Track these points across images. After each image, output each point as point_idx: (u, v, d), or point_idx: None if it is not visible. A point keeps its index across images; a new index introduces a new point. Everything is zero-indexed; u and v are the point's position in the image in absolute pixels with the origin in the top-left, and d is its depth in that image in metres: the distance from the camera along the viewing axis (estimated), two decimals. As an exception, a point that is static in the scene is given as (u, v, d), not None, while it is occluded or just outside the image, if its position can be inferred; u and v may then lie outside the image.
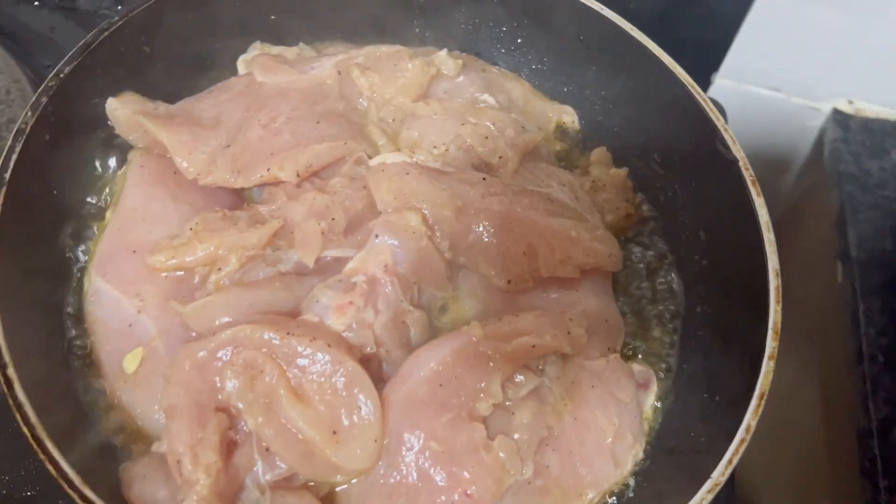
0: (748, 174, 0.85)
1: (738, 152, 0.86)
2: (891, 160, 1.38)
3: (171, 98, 0.92)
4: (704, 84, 1.29)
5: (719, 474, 0.69)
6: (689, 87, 0.90)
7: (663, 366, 0.86)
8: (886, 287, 1.23)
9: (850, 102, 1.42)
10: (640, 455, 0.79)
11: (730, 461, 0.69)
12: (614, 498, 0.77)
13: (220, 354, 0.70)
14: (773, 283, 0.78)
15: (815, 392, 1.32)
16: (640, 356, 0.86)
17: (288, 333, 0.70)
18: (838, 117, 1.41)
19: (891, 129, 1.40)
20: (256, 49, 0.96)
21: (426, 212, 0.82)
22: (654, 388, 0.83)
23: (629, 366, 0.83)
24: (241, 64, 0.97)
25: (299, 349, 0.70)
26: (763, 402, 0.72)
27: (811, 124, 1.45)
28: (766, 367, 0.74)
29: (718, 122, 0.88)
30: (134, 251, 0.79)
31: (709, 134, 0.88)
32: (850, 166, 1.36)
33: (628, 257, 0.92)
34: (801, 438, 1.32)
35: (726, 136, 0.87)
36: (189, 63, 0.97)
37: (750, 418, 0.71)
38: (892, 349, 1.17)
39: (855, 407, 1.15)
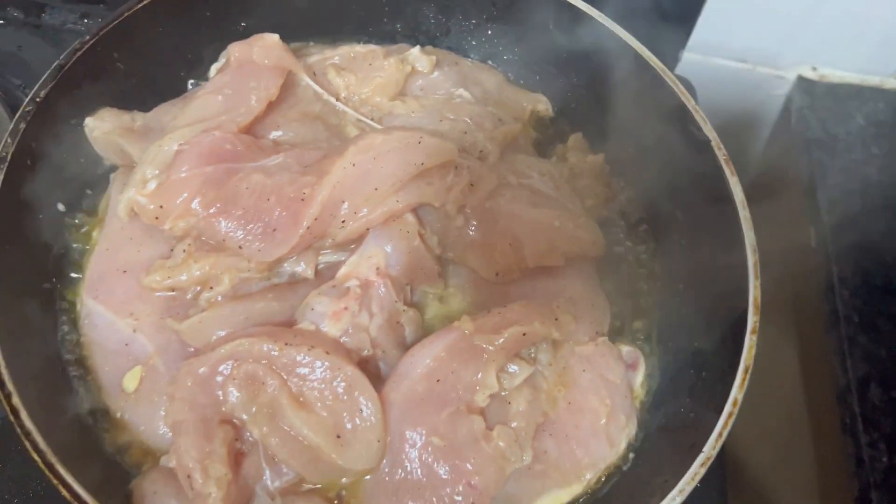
0: (721, 153, 0.87)
1: (710, 132, 0.89)
2: (857, 124, 1.41)
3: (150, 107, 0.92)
4: (673, 62, 1.31)
5: (710, 448, 0.72)
6: (658, 70, 0.92)
7: (650, 345, 0.88)
8: (858, 249, 1.27)
9: (814, 69, 1.44)
10: (633, 433, 0.82)
11: (720, 434, 0.72)
12: (611, 475, 0.80)
13: (220, 369, 0.71)
14: (752, 259, 0.81)
15: (795, 354, 1.37)
16: (627, 337, 0.89)
17: (286, 344, 0.72)
18: (803, 84, 1.44)
19: (855, 94, 1.44)
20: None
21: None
22: (642, 368, 0.86)
23: (617, 347, 0.85)
24: (214, 72, 0.97)
25: (298, 358, 0.72)
26: (748, 375, 0.75)
27: (778, 93, 1.48)
28: (749, 341, 0.77)
29: (689, 102, 0.90)
30: (124, 271, 0.80)
31: (680, 115, 0.90)
32: (817, 132, 1.39)
33: (610, 240, 0.94)
34: (783, 400, 1.37)
35: (697, 117, 0.89)
36: (165, 74, 0.97)
37: (736, 392, 0.74)
38: (867, 309, 1.21)
39: (833, 367, 1.19)
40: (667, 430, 0.81)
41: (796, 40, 1.39)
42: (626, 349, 0.86)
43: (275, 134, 0.88)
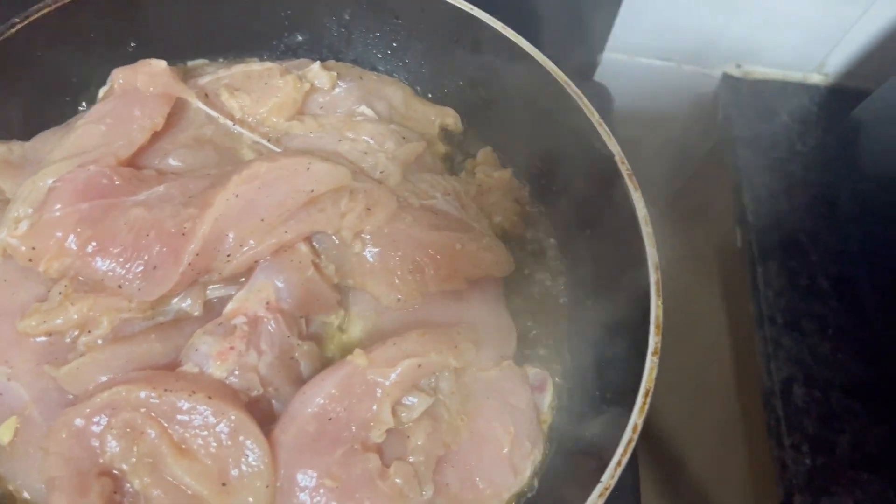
0: (624, 168, 0.85)
1: (614, 147, 0.87)
2: (781, 121, 1.41)
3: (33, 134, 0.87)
4: (591, 67, 1.29)
5: (609, 477, 0.70)
6: (564, 84, 0.90)
7: (558, 366, 0.87)
8: (782, 248, 1.27)
9: (739, 66, 1.44)
10: (539, 459, 0.80)
11: (618, 463, 0.71)
12: (515, 502, 0.79)
13: (97, 420, 0.68)
14: (653, 277, 0.80)
15: (728, 354, 1.37)
16: (535, 358, 0.87)
17: (165, 390, 0.69)
18: (728, 82, 1.43)
19: (779, 90, 1.44)
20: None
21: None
22: (549, 390, 0.84)
23: (524, 370, 0.83)
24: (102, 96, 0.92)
25: (179, 404, 0.69)
26: (649, 398, 0.74)
27: (704, 91, 1.47)
28: (650, 363, 0.75)
29: (592, 117, 0.88)
30: (-2, 315, 0.76)
31: (585, 129, 0.88)
32: (742, 130, 1.39)
33: (520, 257, 0.93)
34: (718, 399, 1.37)
35: (601, 131, 0.87)
36: (49, 99, 0.92)
37: (636, 418, 0.73)
38: (790, 310, 1.21)
39: (759, 369, 1.19)
40: (572, 454, 0.80)
41: (720, 38, 1.39)
42: (532, 371, 0.85)
43: (162, 161, 0.84)
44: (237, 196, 0.76)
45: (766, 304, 1.22)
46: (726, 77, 1.44)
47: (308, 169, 0.78)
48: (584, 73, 1.28)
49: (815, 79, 1.44)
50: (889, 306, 1.19)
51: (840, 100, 1.42)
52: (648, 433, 1.55)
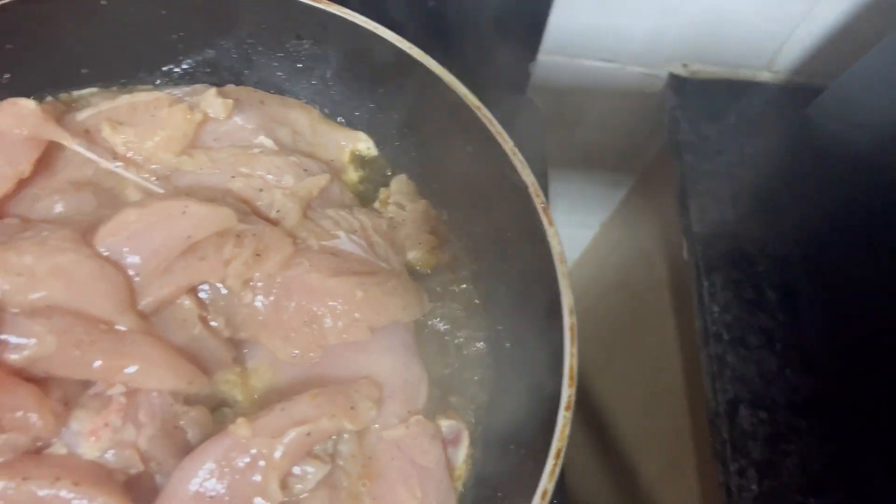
0: (539, 201, 0.79)
1: (528, 177, 0.80)
2: (728, 122, 1.35)
3: None
4: (523, 79, 1.22)
5: (515, 550, 0.65)
6: (474, 109, 0.83)
7: (474, 414, 0.81)
8: (728, 260, 1.22)
9: (685, 66, 1.38)
10: (450, 523, 0.74)
11: (526, 532, 0.65)
12: (426, 573, 0.73)
13: (-60, 517, 0.61)
14: (567, 321, 0.74)
15: (678, 372, 1.32)
16: (449, 406, 0.81)
17: (23, 479, 0.62)
18: (674, 83, 1.37)
19: (726, 89, 1.38)
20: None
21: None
22: (464, 442, 0.79)
23: (436, 424, 0.78)
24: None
25: (40, 494, 0.62)
26: (560, 459, 0.68)
27: (650, 91, 1.41)
28: (563, 419, 0.70)
29: (506, 144, 0.82)
30: None
31: (498, 158, 0.82)
32: (688, 134, 1.33)
33: (435, 295, 0.86)
34: (670, 417, 1.33)
35: (515, 161, 0.81)
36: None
37: (546, 482, 0.67)
38: (737, 325, 1.16)
39: (705, 388, 1.14)
40: (486, 515, 0.74)
41: (663, 36, 1.32)
42: (446, 423, 0.79)
43: (30, 208, 0.77)
44: (105, 250, 0.69)
45: (712, 320, 1.17)
46: (672, 77, 1.37)
47: (184, 213, 0.71)
48: (515, 86, 1.21)
49: (765, 76, 1.38)
50: (830, 317, 1.15)
51: (791, 98, 1.36)
52: (594, 440, 1.51)
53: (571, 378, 0.71)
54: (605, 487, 1.48)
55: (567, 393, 0.71)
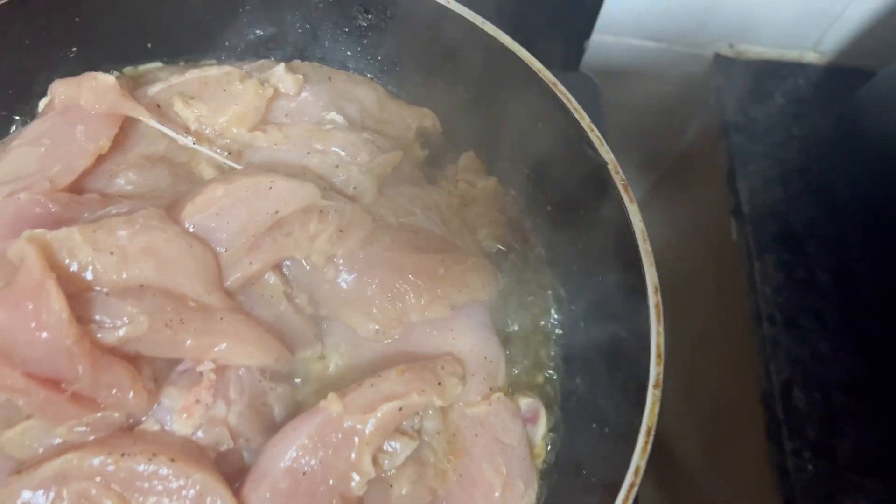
0: (619, 178, 0.78)
1: (607, 154, 0.79)
2: (775, 104, 1.34)
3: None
4: (578, 55, 1.21)
5: (609, 526, 0.65)
6: (550, 85, 0.82)
7: (552, 394, 0.81)
8: (780, 241, 1.21)
9: (731, 46, 1.37)
10: (534, 499, 0.74)
11: (620, 508, 0.65)
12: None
13: (45, 493, 0.61)
14: (653, 300, 0.73)
15: (721, 353, 1.32)
16: (526, 386, 0.81)
17: (122, 454, 0.62)
18: (720, 63, 1.36)
19: (773, 70, 1.37)
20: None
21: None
22: (543, 421, 0.78)
23: (515, 402, 0.77)
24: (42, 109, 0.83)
25: (138, 469, 0.62)
26: (651, 436, 0.68)
27: (695, 71, 1.40)
28: (652, 397, 0.69)
29: (583, 121, 0.81)
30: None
31: (574, 133, 0.81)
32: (736, 115, 1.32)
33: (508, 275, 0.86)
34: (710, 399, 1.33)
35: (592, 136, 0.80)
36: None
37: (638, 459, 0.67)
38: (789, 306, 1.16)
39: (757, 370, 1.14)
40: (569, 491, 0.74)
41: (711, 16, 1.31)
42: (525, 401, 0.78)
43: (108, 184, 0.76)
44: (192, 227, 0.68)
45: (765, 302, 1.17)
46: (718, 58, 1.36)
47: (270, 188, 0.71)
48: (569, 62, 1.20)
49: (811, 57, 1.37)
50: (889, 298, 1.14)
51: (837, 80, 1.35)
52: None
53: (659, 356, 0.71)
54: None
55: (655, 371, 0.70)
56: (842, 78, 1.35)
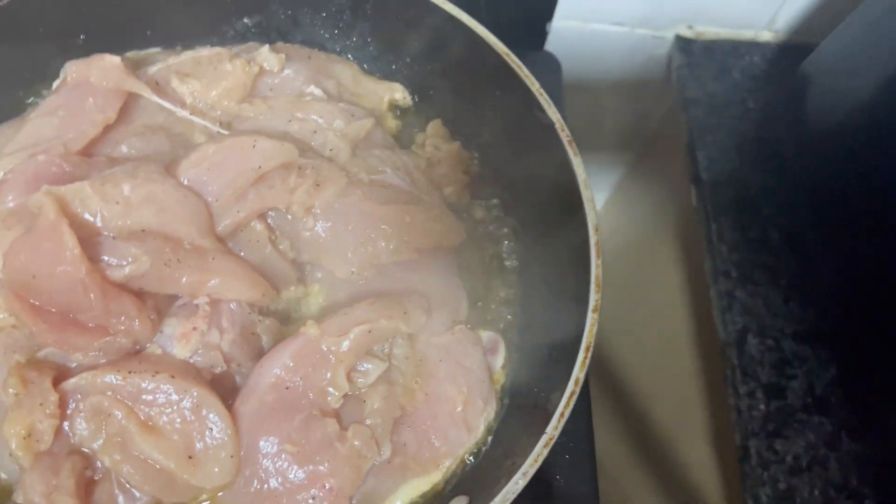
0: (565, 135, 0.88)
1: (554, 115, 0.90)
2: (732, 80, 1.44)
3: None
4: (541, 37, 1.32)
5: (553, 428, 0.74)
6: (504, 56, 0.93)
7: (511, 327, 0.91)
8: (736, 204, 1.31)
9: (690, 27, 1.46)
10: (492, 416, 0.84)
11: (562, 414, 0.75)
12: (471, 457, 0.83)
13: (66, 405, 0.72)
14: (593, 238, 0.83)
15: (687, 309, 1.42)
16: (488, 321, 0.91)
17: (129, 372, 0.72)
18: (681, 44, 1.46)
19: (731, 49, 1.46)
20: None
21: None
22: (502, 351, 0.88)
23: (476, 333, 0.87)
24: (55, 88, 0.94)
25: (143, 385, 0.72)
26: (589, 353, 0.78)
27: (658, 53, 1.50)
28: (591, 319, 0.79)
29: (533, 86, 0.91)
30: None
31: (526, 99, 0.91)
32: (695, 91, 1.42)
33: (470, 225, 0.96)
34: (677, 351, 1.42)
35: (542, 100, 0.90)
36: (2, 91, 0.94)
37: (578, 371, 0.77)
38: (744, 263, 1.26)
39: (715, 319, 1.24)
40: (522, 409, 0.84)
41: (671, 0, 1.41)
42: (485, 334, 0.88)
43: (114, 150, 0.87)
44: (187, 180, 0.78)
45: (721, 259, 1.26)
46: (678, 39, 1.46)
47: (254, 146, 0.81)
48: (533, 43, 1.30)
49: (766, 36, 1.47)
50: (836, 254, 1.23)
51: (790, 56, 1.45)
52: (608, 386, 1.61)
53: (598, 285, 0.81)
54: (624, 434, 1.57)
55: (594, 297, 0.80)
56: (794, 55, 1.44)
